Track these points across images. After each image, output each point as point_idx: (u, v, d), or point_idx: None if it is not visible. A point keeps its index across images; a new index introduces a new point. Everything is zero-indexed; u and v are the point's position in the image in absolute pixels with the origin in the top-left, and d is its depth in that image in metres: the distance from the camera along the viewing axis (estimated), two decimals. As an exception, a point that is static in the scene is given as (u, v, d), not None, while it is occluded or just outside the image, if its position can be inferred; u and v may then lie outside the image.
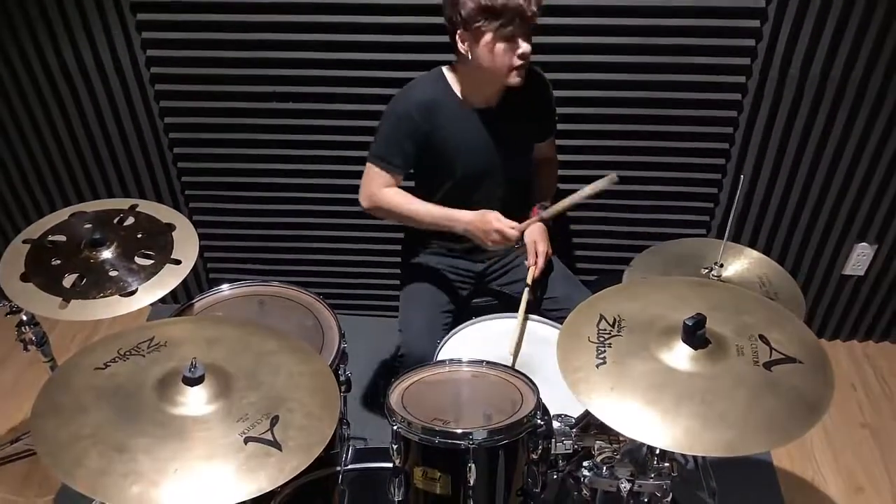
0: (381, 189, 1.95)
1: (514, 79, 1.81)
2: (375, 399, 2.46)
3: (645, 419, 1.27)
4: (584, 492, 1.55)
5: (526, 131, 2.02)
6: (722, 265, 1.77)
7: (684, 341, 1.35)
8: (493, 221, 1.85)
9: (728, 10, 2.17)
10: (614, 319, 1.45)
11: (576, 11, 2.21)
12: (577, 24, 2.23)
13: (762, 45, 2.21)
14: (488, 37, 1.73)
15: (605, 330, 1.42)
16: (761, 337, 1.40)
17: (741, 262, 1.84)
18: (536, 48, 1.82)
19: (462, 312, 2.14)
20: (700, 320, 1.33)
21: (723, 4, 2.16)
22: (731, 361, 1.34)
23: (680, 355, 1.35)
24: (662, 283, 1.69)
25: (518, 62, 1.78)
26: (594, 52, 2.27)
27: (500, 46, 1.75)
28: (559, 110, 2.13)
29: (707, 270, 1.78)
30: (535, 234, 2.04)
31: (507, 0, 1.68)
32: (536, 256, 2.03)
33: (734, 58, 2.24)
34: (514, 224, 1.85)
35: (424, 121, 1.89)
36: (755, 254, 1.88)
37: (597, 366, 1.35)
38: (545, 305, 2.08)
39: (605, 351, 1.38)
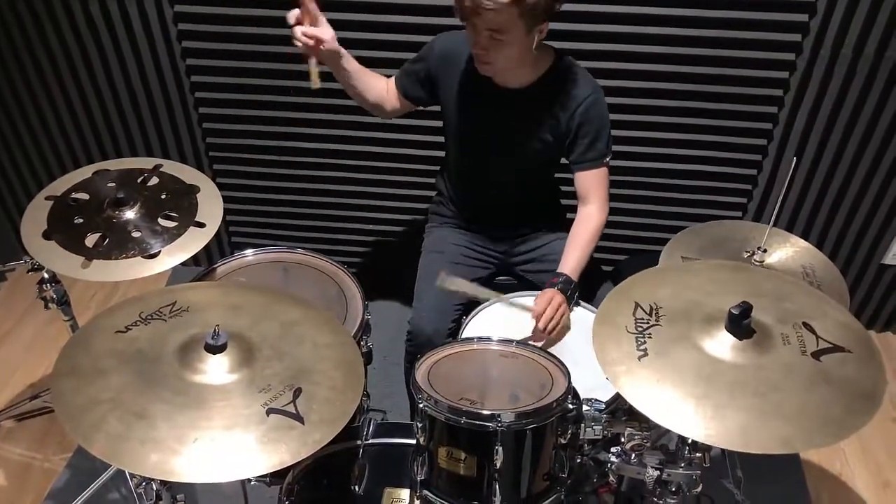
0: (386, 80, 1.97)
1: (478, 65, 1.77)
2: (394, 371, 2.43)
3: (698, 414, 1.20)
4: (611, 478, 1.51)
5: (534, 139, 1.89)
6: (765, 250, 1.70)
7: (729, 331, 1.29)
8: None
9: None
10: (651, 307, 1.38)
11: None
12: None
13: (815, 21, 2.11)
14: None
15: (642, 319, 1.35)
16: (805, 325, 1.33)
17: (785, 250, 1.76)
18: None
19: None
20: (746, 309, 1.26)
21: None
22: (779, 351, 1.27)
23: (725, 345, 1.28)
24: (695, 267, 1.61)
25: (473, 51, 1.75)
26: (636, 24, 2.18)
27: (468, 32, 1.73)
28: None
29: (749, 254, 1.71)
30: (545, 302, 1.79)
31: None
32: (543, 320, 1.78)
33: (784, 34, 2.14)
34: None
35: (437, 67, 1.89)
36: (801, 242, 1.79)
37: (639, 358, 1.28)
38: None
39: (644, 342, 1.31)
